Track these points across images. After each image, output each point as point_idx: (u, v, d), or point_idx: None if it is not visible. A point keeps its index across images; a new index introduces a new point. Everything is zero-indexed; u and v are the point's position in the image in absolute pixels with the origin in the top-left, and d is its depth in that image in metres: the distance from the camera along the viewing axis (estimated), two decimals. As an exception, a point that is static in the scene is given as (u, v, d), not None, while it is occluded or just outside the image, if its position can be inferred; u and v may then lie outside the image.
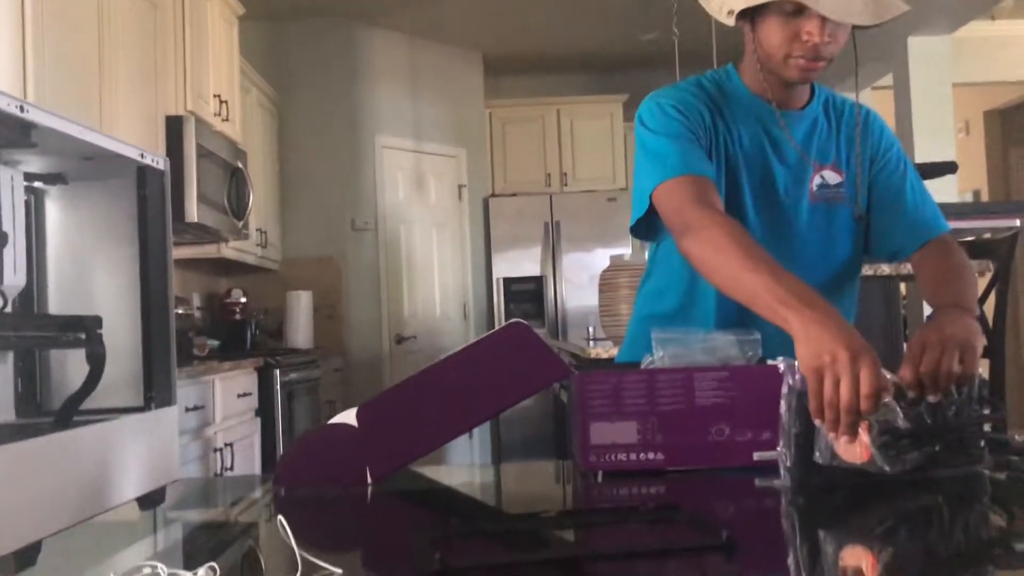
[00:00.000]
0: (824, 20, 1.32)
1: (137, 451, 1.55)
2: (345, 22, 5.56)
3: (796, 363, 1.09)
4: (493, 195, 6.40)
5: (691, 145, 1.41)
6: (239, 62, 4.41)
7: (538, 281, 6.20)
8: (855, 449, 1.06)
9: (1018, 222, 2.99)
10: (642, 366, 1.30)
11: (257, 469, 3.73)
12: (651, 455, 1.19)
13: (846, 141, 1.53)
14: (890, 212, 1.53)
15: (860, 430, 1.04)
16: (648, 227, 1.47)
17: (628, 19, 5.69)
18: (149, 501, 1.38)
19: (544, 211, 6.26)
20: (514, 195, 6.35)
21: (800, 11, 1.33)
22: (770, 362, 1.19)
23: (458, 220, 6.21)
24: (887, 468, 1.04)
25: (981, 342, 1.18)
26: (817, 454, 1.09)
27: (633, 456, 1.19)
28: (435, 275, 6.04)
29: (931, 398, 1.10)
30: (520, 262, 6.22)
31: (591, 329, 3.65)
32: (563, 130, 6.42)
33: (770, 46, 1.39)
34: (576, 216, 6.24)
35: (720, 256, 1.25)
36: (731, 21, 1.41)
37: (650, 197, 1.39)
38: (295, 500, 1.23)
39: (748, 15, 1.40)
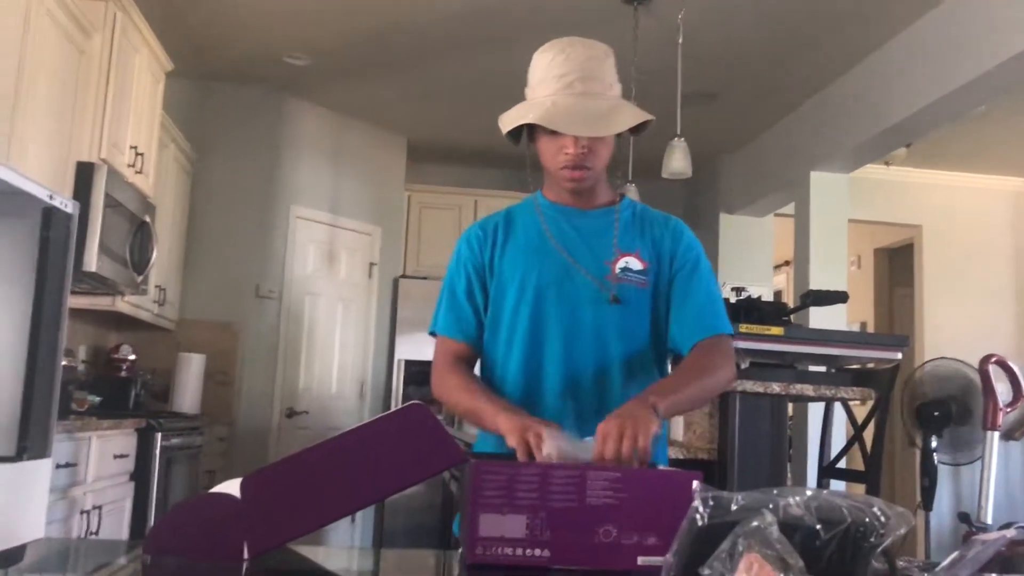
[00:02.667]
0: (576, 137, 1.55)
1: (1, 503, 1.46)
2: (274, 91, 5.58)
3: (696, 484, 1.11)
4: (404, 276, 6.41)
5: (458, 301, 1.69)
6: (160, 116, 4.37)
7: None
8: None
9: (899, 355, 3.15)
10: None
11: (125, 536, 3.54)
12: (538, 552, 1.19)
13: (651, 241, 1.68)
14: (678, 308, 1.66)
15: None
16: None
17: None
18: (6, 559, 1.29)
19: (452, 298, 6.27)
20: (425, 278, 6.37)
21: (556, 130, 1.55)
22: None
23: (366, 297, 6.18)
24: None
25: (648, 421, 1.36)
26: (708, 573, 1.09)
27: (520, 551, 1.19)
28: (335, 350, 5.96)
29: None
30: (423, 345, 6.16)
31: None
32: (478, 219, 6.52)
33: (544, 160, 1.63)
34: (483, 306, 6.27)
35: (453, 395, 1.64)
36: (513, 143, 1.66)
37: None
38: (164, 570, 1.18)
39: (532, 136, 1.63)
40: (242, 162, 5.51)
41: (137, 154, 3.92)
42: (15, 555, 1.34)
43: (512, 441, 1.41)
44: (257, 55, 5.07)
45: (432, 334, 1.74)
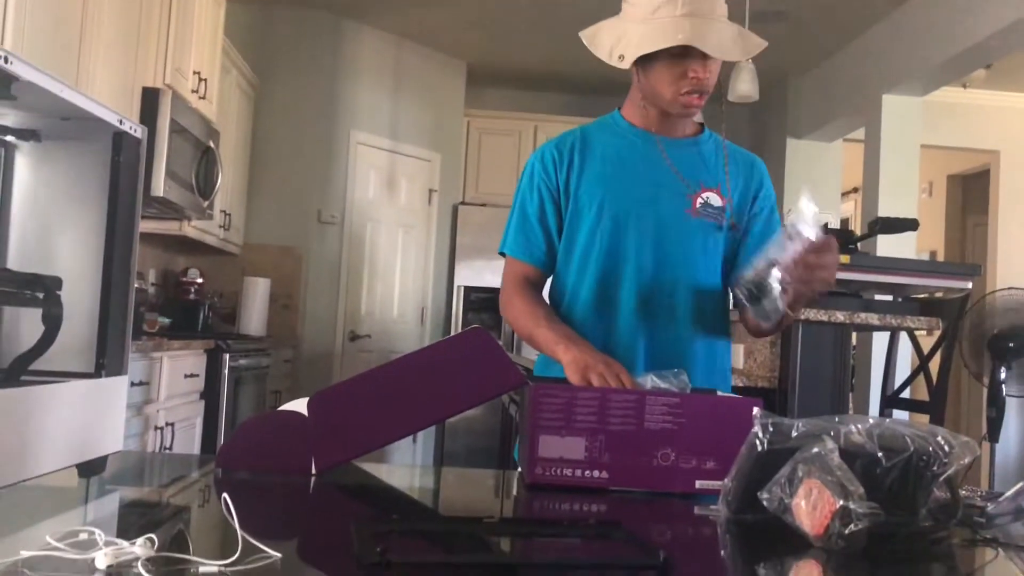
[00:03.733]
0: (705, 59, 1.50)
1: (83, 418, 1.53)
2: (333, 15, 5.55)
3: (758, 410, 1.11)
4: (463, 203, 6.41)
5: (529, 222, 1.68)
6: (223, 42, 4.38)
7: (499, 292, 6.21)
8: (811, 518, 1.05)
9: (969, 285, 3.07)
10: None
11: (196, 451, 3.68)
12: (596, 473, 1.21)
13: (733, 179, 1.66)
14: (752, 250, 1.63)
15: (826, 505, 1.03)
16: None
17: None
18: (89, 469, 1.36)
19: (512, 224, 6.27)
20: (484, 205, 6.37)
21: (684, 53, 1.50)
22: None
23: (425, 224, 6.21)
24: (831, 547, 1.03)
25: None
26: (767, 497, 1.09)
27: (579, 472, 1.21)
28: (396, 276, 6.03)
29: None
30: (483, 272, 6.22)
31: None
32: (539, 146, 6.46)
33: (659, 86, 1.56)
34: (542, 233, 6.25)
35: (519, 319, 1.64)
36: (624, 65, 1.57)
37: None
38: (236, 483, 1.23)
39: (638, 59, 1.55)
40: (303, 87, 5.52)
41: (201, 79, 3.95)
42: (98, 465, 1.41)
43: (573, 376, 1.40)
44: (316, -22, 5.03)
45: (501, 254, 1.73)
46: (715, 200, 1.62)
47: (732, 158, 1.67)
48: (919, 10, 4.76)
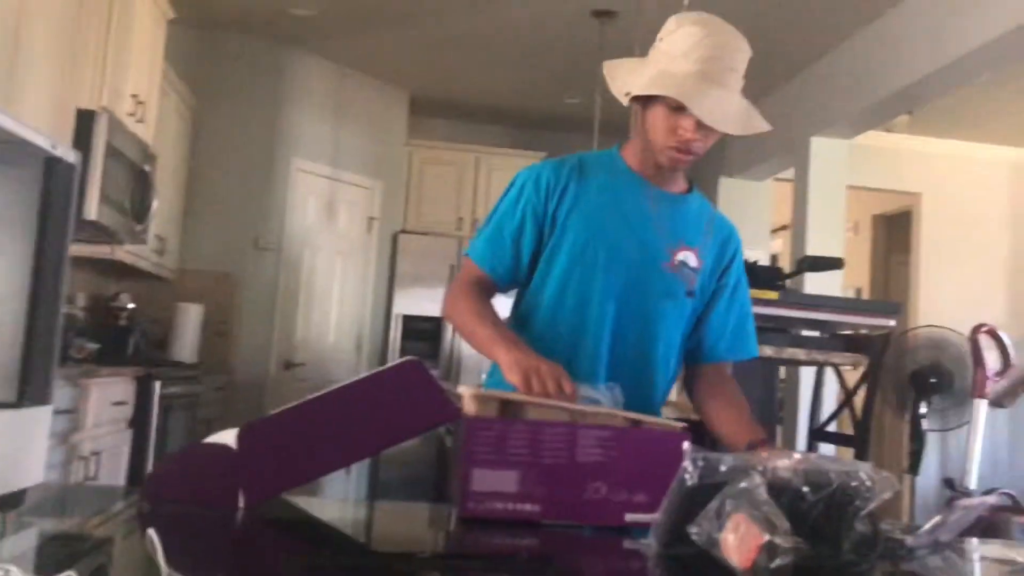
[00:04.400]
0: (699, 122, 1.51)
1: (1, 449, 1.48)
2: (276, 43, 5.53)
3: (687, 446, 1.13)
4: (403, 231, 6.41)
5: (502, 238, 1.66)
6: (162, 65, 4.33)
7: (437, 322, 6.20)
8: (739, 552, 1.07)
9: (892, 322, 3.17)
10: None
11: (123, 482, 3.58)
12: (529, 506, 1.22)
13: (710, 243, 1.69)
14: (720, 317, 1.71)
15: (753, 539, 1.06)
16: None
17: (554, 80, 5.83)
18: (6, 503, 1.32)
19: (452, 253, 6.29)
20: (424, 234, 6.37)
21: (682, 108, 1.51)
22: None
23: (364, 251, 6.18)
24: None
25: None
26: (696, 531, 1.11)
27: (511, 505, 1.22)
28: (333, 304, 5.98)
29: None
30: (422, 301, 6.21)
31: (483, 376, 3.67)
32: (480, 177, 6.50)
33: (653, 131, 1.58)
34: (481, 263, 6.27)
35: (463, 316, 1.63)
36: (626, 101, 1.60)
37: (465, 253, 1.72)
38: (162, 516, 1.20)
39: (641, 100, 1.58)
40: (244, 113, 5.47)
41: (138, 102, 3.90)
42: (16, 499, 1.37)
43: (512, 376, 1.41)
44: (261, 5, 5.01)
45: (466, 256, 1.72)
46: (692, 261, 1.65)
47: (713, 224, 1.71)
48: (845, 58, 4.95)
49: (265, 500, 1.21)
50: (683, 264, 1.64)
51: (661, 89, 1.51)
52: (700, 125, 1.51)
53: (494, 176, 6.50)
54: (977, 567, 1.34)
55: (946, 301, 6.08)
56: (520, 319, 1.69)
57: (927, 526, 1.31)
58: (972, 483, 3.88)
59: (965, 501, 1.42)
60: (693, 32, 1.53)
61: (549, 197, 1.64)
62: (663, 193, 1.67)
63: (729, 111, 1.52)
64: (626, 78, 1.59)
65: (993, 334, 4.02)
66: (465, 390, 1.30)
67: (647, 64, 1.58)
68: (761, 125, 1.56)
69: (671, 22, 1.58)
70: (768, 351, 2.78)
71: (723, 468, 1.13)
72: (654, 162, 1.63)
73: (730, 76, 1.53)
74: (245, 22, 5.28)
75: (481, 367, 4.61)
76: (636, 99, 1.58)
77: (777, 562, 1.03)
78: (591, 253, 1.61)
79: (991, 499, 1.79)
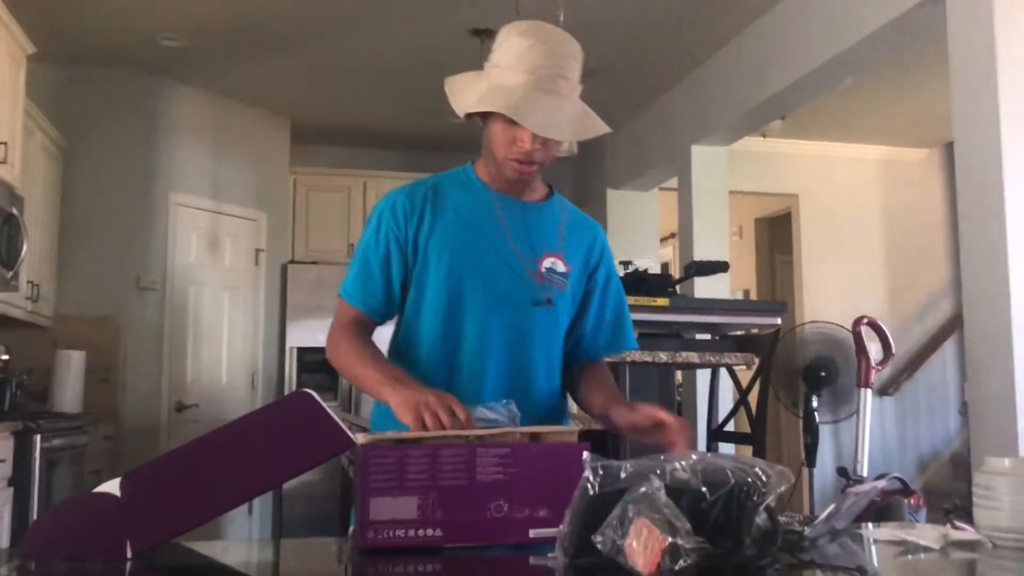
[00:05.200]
0: (534, 133, 1.52)
1: None
2: (147, 74, 5.35)
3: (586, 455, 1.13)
4: (292, 261, 6.28)
5: (371, 270, 1.65)
6: (24, 103, 4.14)
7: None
8: (643, 557, 1.08)
9: (779, 321, 3.28)
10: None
11: (5, 544, 3.37)
12: (430, 531, 1.20)
13: (576, 246, 1.71)
14: (596, 315, 1.74)
15: (656, 543, 1.06)
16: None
17: (437, 101, 5.77)
18: None
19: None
20: (315, 263, 6.26)
21: (517, 121, 1.51)
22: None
23: (253, 285, 6.02)
24: None
25: None
26: (600, 539, 1.11)
27: (412, 532, 1.19)
28: (224, 341, 5.80)
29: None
30: (316, 332, 6.06)
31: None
32: (368, 202, 6.43)
33: (494, 145, 1.59)
34: (376, 289, 6.20)
35: (344, 360, 1.62)
36: (463, 118, 1.61)
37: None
38: (48, 573, 1.13)
39: (480, 114, 1.59)
40: (116, 149, 5.27)
41: (1, 143, 3.71)
42: None
43: (404, 417, 1.39)
44: (128, 36, 4.84)
45: (340, 297, 1.70)
46: (560, 266, 1.66)
47: (574, 227, 1.72)
48: (718, 67, 5.12)
49: (154, 547, 1.15)
50: (551, 271, 1.65)
51: (491, 105, 1.52)
52: (537, 135, 1.53)
53: (383, 200, 6.44)
54: (872, 549, 1.39)
55: (829, 296, 6.34)
56: (399, 348, 1.68)
57: (822, 515, 1.35)
58: (864, 470, 4.03)
59: (857, 488, 1.47)
60: (520, 43, 1.53)
61: (408, 222, 1.63)
62: (520, 203, 1.67)
63: (561, 118, 1.52)
64: (463, 93, 1.60)
65: (874, 325, 4.19)
66: (362, 438, 1.26)
67: (482, 78, 1.58)
68: (598, 128, 1.58)
69: (501, 33, 1.58)
70: (663, 356, 2.84)
71: (623, 475, 1.13)
72: (501, 174, 1.63)
73: (561, 83, 1.52)
74: (112, 55, 5.09)
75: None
76: (476, 114, 1.59)
77: (681, 563, 1.04)
78: (456, 273, 1.61)
79: (881, 484, 1.86)
